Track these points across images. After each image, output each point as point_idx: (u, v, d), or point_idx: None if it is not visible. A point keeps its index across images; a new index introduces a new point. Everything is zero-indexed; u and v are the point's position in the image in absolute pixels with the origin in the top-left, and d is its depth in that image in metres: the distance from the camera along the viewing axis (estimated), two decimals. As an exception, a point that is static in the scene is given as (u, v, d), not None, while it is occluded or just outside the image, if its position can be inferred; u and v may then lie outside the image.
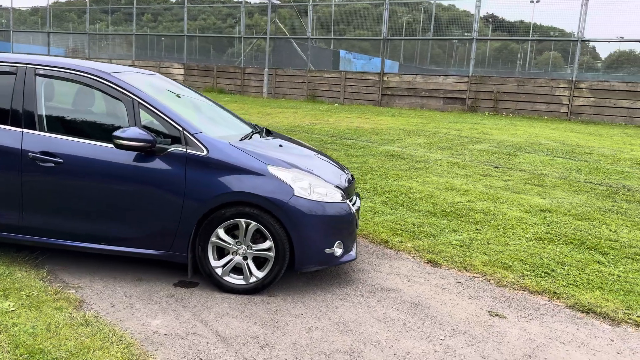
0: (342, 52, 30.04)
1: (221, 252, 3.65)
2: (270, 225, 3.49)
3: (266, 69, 23.04)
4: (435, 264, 4.53)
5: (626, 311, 3.70)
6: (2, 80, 3.74)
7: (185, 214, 3.50)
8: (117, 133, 3.42)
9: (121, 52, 32.13)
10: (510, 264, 4.54)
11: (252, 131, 4.29)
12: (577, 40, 18.08)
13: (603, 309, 3.73)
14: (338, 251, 3.72)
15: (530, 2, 31.79)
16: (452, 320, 3.44)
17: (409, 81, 20.24)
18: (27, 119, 3.60)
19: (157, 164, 3.50)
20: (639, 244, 5.19)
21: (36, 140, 3.56)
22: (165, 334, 3.02)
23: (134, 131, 3.42)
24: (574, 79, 17.86)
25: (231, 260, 3.60)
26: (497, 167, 8.73)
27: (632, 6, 17.45)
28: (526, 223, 5.78)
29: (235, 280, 3.61)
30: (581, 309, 3.75)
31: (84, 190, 3.56)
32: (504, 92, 18.74)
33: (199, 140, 3.55)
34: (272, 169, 3.57)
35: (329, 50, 29.08)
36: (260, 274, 3.58)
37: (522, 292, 4.04)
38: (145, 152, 3.48)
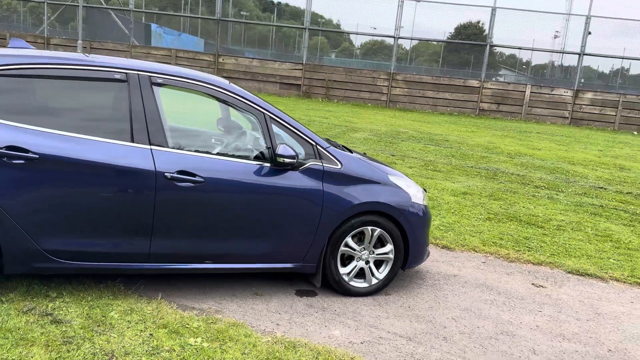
0: (153, 26, 28.37)
1: (342, 260, 3.83)
2: (392, 230, 3.83)
3: (80, 41, 20.57)
4: (449, 248, 5.32)
5: (603, 271, 5.05)
6: (113, 89, 3.19)
7: (322, 226, 3.59)
8: (278, 151, 3.33)
9: None
10: (499, 242, 5.61)
11: (329, 140, 4.43)
12: (394, 37, 20.65)
13: (588, 271, 5.02)
14: (428, 249, 4.23)
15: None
16: (523, 295, 4.29)
17: (246, 65, 20.46)
18: (154, 135, 3.18)
19: (298, 179, 3.50)
20: (553, 217, 6.80)
21: (170, 158, 3.18)
22: (362, 342, 3.20)
23: (286, 148, 3.38)
24: (392, 71, 20.43)
25: (355, 266, 3.83)
26: (394, 155, 9.92)
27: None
28: (464, 206, 6.97)
29: (358, 284, 3.85)
30: (577, 273, 4.97)
31: (225, 210, 3.35)
32: (334, 81, 20.40)
33: (332, 154, 3.65)
34: (392, 178, 3.89)
35: (141, 23, 27.15)
36: (380, 276, 3.89)
37: (529, 264, 5.11)
38: (291, 168, 3.46)
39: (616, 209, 7.54)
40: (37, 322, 2.88)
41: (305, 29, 20.68)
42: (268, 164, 3.46)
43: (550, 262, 5.16)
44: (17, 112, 2.98)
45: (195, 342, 2.89)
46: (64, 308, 3.08)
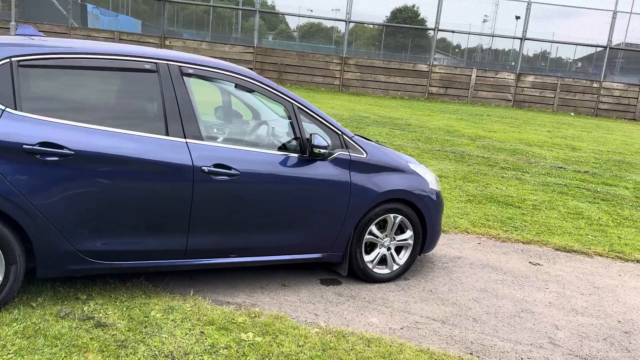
0: (89, 7, 26.94)
1: (365, 247, 3.88)
2: (411, 216, 3.91)
3: (13, 22, 19.24)
4: (444, 231, 5.48)
5: (586, 247, 5.39)
6: (143, 80, 3.02)
7: (350, 215, 3.62)
8: (314, 142, 3.30)
9: None
10: (486, 223, 5.85)
11: None
12: (345, 21, 20.69)
13: (573, 247, 5.34)
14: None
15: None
16: (526, 273, 4.51)
17: (194, 48, 19.87)
18: (189, 128, 3.05)
19: (326, 169, 3.49)
20: (526, 197, 7.15)
21: (205, 151, 3.07)
22: (402, 328, 3.27)
23: (319, 139, 3.35)
24: (344, 55, 20.50)
25: (378, 253, 3.89)
26: (363, 140, 10.02)
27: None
28: (443, 189, 7.17)
29: (381, 270, 3.91)
30: (564, 250, 5.28)
31: (259, 203, 3.29)
32: (287, 65, 20.24)
33: (357, 144, 3.66)
34: (412, 166, 3.96)
35: (76, 3, 25.63)
36: (401, 262, 3.97)
37: (519, 244, 5.37)
38: (321, 158, 3.44)
39: (579, 187, 8.03)
40: (81, 327, 2.74)
41: (256, 11, 20.32)
42: (296, 155, 3.42)
43: (538, 241, 5.44)
44: (47, 105, 2.78)
45: (247, 337, 2.85)
46: (102, 311, 2.94)
